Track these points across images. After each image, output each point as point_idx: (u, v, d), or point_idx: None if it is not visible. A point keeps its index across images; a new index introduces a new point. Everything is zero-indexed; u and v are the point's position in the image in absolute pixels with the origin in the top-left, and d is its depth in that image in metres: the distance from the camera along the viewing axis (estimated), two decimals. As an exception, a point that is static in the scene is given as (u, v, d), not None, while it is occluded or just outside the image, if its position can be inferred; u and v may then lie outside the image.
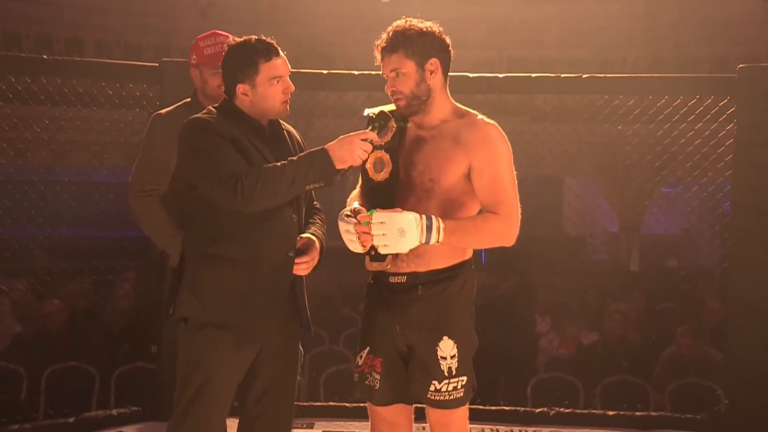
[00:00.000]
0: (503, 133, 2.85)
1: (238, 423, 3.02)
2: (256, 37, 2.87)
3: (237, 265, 2.82)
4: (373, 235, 2.68)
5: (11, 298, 6.94)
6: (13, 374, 5.74)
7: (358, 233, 2.74)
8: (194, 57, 3.53)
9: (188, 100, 3.57)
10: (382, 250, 2.71)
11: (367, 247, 2.79)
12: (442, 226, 2.70)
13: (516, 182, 2.86)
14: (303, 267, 2.92)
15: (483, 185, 2.80)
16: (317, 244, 2.96)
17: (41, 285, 6.86)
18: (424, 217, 2.69)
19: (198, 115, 2.89)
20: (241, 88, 2.85)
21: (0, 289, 7.10)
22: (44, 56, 5.03)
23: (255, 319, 2.86)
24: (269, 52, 2.84)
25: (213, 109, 2.90)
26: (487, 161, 2.79)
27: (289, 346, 2.98)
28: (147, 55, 12.27)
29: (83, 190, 6.79)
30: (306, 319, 3.01)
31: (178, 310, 2.88)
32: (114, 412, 4.95)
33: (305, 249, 2.93)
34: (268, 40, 2.87)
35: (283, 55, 2.89)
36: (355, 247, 2.79)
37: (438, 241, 2.71)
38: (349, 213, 2.79)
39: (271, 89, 2.85)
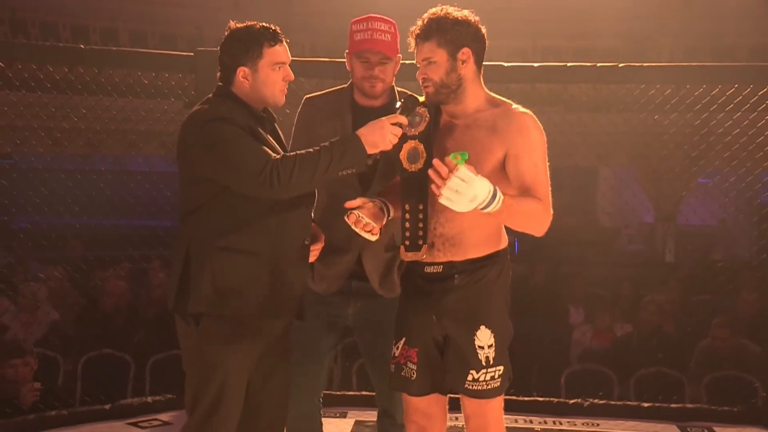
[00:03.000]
0: (539, 122, 2.83)
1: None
2: (261, 24, 2.84)
3: (257, 257, 2.79)
4: (447, 187, 2.56)
5: (48, 285, 7.02)
6: (51, 361, 5.81)
7: (357, 221, 2.78)
8: (348, 42, 3.19)
9: (344, 86, 3.30)
10: (442, 200, 2.60)
11: (377, 235, 2.80)
12: (502, 198, 2.63)
13: (548, 173, 2.83)
14: (314, 254, 2.95)
15: (520, 173, 2.77)
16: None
17: (77, 273, 6.94)
18: (493, 187, 2.61)
19: (202, 106, 2.85)
20: (242, 71, 2.81)
21: (37, 276, 7.19)
22: (81, 46, 5.07)
23: (277, 311, 2.85)
24: (274, 38, 2.82)
25: (213, 99, 2.86)
26: (524, 150, 2.77)
27: (284, 333, 2.97)
28: (181, 45, 12.31)
29: (119, 179, 6.85)
30: (301, 309, 2.98)
31: (195, 305, 2.79)
32: (149, 399, 5.01)
33: (313, 237, 2.95)
34: (273, 26, 2.84)
35: (285, 43, 2.86)
36: (368, 236, 2.81)
37: (491, 211, 2.63)
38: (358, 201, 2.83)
39: (272, 74, 2.82)
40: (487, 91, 2.90)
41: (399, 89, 3.29)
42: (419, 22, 2.82)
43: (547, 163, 2.83)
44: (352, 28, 3.17)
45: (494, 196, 2.61)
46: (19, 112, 5.88)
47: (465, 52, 2.80)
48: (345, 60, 3.23)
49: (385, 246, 3.17)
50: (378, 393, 3.42)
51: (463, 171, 2.56)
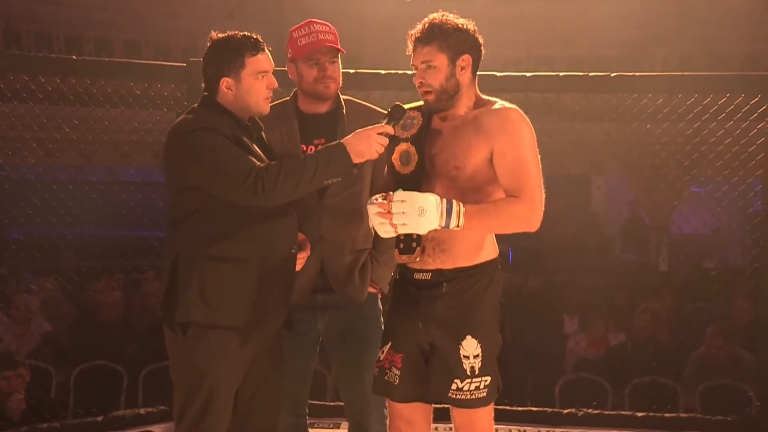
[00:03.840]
0: (525, 116, 2.82)
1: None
2: (242, 33, 2.85)
3: (245, 265, 2.80)
4: (392, 213, 2.62)
5: (40, 297, 7.00)
6: (43, 373, 5.78)
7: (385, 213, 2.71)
8: (289, 51, 3.18)
9: (287, 98, 3.27)
10: (400, 229, 2.66)
11: (395, 230, 2.75)
12: (462, 210, 2.66)
13: (540, 166, 2.80)
14: (300, 263, 2.96)
15: (505, 169, 2.76)
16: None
17: (70, 284, 6.92)
18: (444, 200, 2.66)
19: (188, 116, 2.86)
20: (225, 81, 2.83)
21: (29, 288, 7.17)
22: (73, 57, 5.06)
23: (266, 319, 2.85)
24: (256, 47, 2.83)
25: (199, 108, 2.87)
26: (509, 145, 2.76)
27: (276, 342, 2.97)
28: (175, 55, 12.30)
29: (111, 190, 6.84)
30: (289, 318, 2.98)
31: (182, 314, 2.79)
32: (142, 411, 4.98)
33: (299, 245, 2.96)
34: (254, 35, 2.85)
35: (267, 51, 2.87)
36: (387, 230, 2.70)
37: (458, 226, 2.66)
38: (378, 197, 2.76)
39: (256, 83, 2.83)
40: (478, 93, 2.90)
41: (344, 96, 3.29)
42: (419, 26, 2.82)
43: (538, 156, 2.81)
44: (293, 36, 3.18)
45: (450, 210, 2.64)
46: (11, 123, 5.87)
47: (465, 59, 2.81)
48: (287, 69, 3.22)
49: (348, 250, 3.17)
50: (348, 407, 3.37)
51: (398, 194, 2.63)
